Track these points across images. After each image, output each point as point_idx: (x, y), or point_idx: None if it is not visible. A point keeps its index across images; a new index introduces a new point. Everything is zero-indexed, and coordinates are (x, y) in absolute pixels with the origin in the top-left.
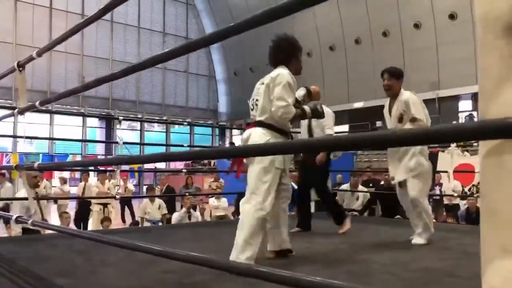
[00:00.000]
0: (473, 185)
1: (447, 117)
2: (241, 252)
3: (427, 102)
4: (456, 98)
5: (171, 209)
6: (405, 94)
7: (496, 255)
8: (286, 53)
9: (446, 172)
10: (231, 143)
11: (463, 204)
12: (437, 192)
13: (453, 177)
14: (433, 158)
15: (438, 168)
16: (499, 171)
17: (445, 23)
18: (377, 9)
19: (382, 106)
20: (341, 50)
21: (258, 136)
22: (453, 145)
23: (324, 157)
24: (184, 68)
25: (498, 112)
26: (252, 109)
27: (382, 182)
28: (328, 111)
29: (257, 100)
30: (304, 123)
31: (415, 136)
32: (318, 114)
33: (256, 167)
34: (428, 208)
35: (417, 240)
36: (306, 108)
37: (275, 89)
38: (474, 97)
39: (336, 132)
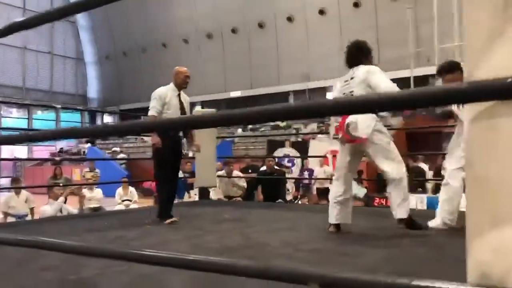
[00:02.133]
0: None
1: None
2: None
3: (298, 93)
4: (324, 90)
5: None
6: None
7: (486, 226)
8: (358, 56)
9: (324, 157)
10: None
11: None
12: (307, 177)
13: (325, 162)
14: (303, 146)
15: (310, 154)
16: (491, 135)
17: (315, 18)
18: (254, 0)
19: (259, 96)
20: (219, 39)
21: (364, 118)
22: (332, 132)
23: (156, 139)
24: (48, 49)
25: (489, 71)
26: None
27: (265, 168)
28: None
29: (351, 91)
30: (176, 103)
31: (401, 98)
32: None
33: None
34: None
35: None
36: None
37: (373, 78)
38: None
39: None
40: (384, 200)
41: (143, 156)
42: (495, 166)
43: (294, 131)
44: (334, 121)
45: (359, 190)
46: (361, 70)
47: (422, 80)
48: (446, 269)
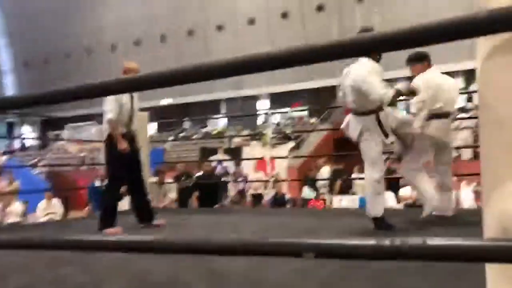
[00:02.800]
0: (272, 176)
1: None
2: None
3: (231, 101)
4: (256, 98)
5: None
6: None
7: (505, 175)
8: None
9: (261, 158)
10: (23, 141)
11: (265, 193)
12: (241, 183)
13: (258, 168)
14: (237, 152)
15: (244, 161)
16: (507, 73)
17: (245, 27)
18: (182, 7)
19: (191, 104)
20: (147, 46)
21: (354, 121)
22: (269, 139)
23: (124, 145)
24: None
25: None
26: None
27: (201, 173)
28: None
29: (345, 90)
30: (128, 103)
31: (417, 33)
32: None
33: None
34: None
35: None
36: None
37: (364, 86)
38: (271, 97)
39: None
40: (320, 202)
41: (65, 168)
42: None
43: (226, 139)
44: (270, 130)
45: (311, 193)
46: (354, 71)
47: None
48: None
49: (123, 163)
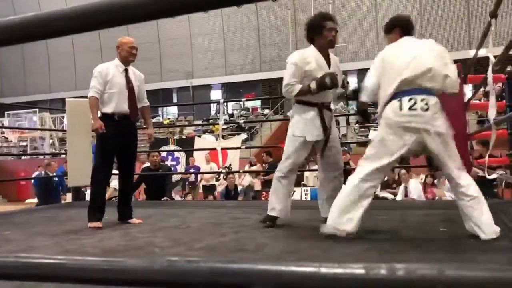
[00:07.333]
0: (226, 167)
1: (200, 105)
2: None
3: (182, 90)
4: (208, 88)
5: None
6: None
7: None
8: (308, 33)
9: (214, 149)
10: None
11: (217, 184)
12: (193, 175)
13: (212, 159)
14: (188, 143)
15: (195, 152)
16: None
17: (198, 14)
18: None
19: None
20: (95, 32)
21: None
22: (220, 130)
23: (98, 124)
24: None
25: None
26: None
27: (148, 164)
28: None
29: None
30: (121, 81)
31: None
32: (324, 86)
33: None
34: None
35: None
36: (312, 84)
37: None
38: (223, 87)
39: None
40: None
41: (5, 158)
42: None
43: (178, 129)
44: (222, 120)
45: None
46: None
47: None
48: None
49: (108, 150)
